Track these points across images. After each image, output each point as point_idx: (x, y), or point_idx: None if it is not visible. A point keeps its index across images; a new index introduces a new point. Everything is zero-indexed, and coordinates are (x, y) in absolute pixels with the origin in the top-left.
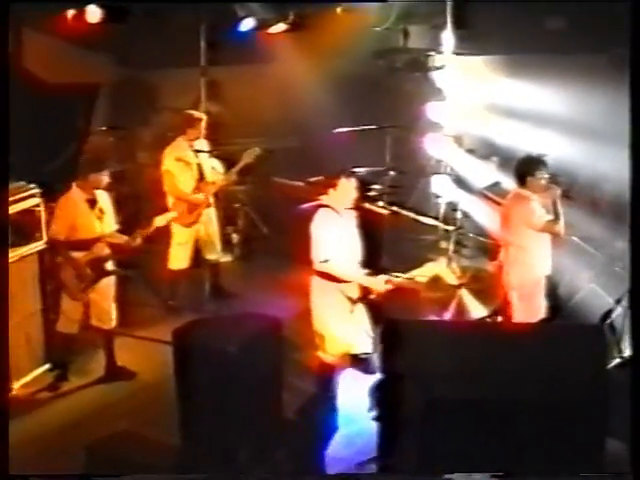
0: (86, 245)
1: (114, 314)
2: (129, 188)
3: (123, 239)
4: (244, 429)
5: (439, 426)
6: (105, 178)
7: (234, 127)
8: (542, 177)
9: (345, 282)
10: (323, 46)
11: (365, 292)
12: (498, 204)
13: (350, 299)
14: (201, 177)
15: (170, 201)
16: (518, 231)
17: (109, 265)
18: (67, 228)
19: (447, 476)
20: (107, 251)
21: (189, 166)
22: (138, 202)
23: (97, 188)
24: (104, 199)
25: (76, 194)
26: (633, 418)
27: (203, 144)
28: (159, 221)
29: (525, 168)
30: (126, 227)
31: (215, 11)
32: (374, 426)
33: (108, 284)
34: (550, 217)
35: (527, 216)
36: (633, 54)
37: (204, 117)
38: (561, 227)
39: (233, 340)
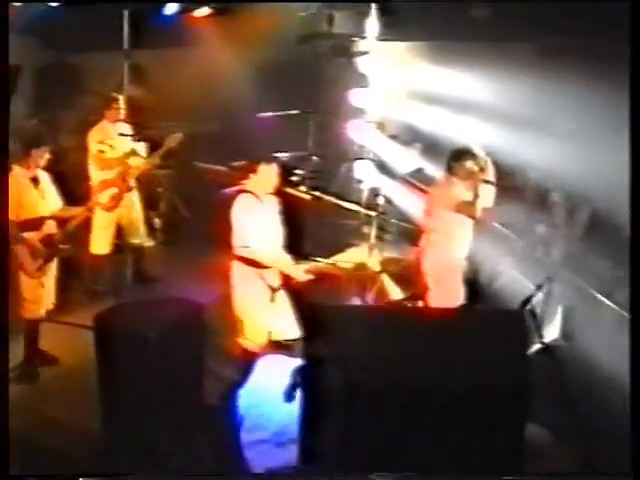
0: (36, 224)
1: (53, 296)
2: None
3: (77, 211)
4: (165, 415)
5: (359, 411)
6: (46, 155)
7: (157, 111)
8: (468, 164)
9: (266, 268)
10: (248, 30)
11: (286, 277)
12: (420, 190)
13: (271, 285)
14: (123, 160)
15: (95, 182)
16: (439, 216)
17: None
18: (14, 208)
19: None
20: (56, 229)
21: (112, 149)
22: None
23: (38, 166)
24: (44, 177)
25: (18, 173)
26: (633, 418)
27: (126, 128)
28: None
29: (452, 155)
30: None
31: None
32: (295, 409)
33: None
34: (466, 199)
35: (447, 199)
36: (633, 52)
37: (120, 97)
38: (477, 210)
39: (154, 325)
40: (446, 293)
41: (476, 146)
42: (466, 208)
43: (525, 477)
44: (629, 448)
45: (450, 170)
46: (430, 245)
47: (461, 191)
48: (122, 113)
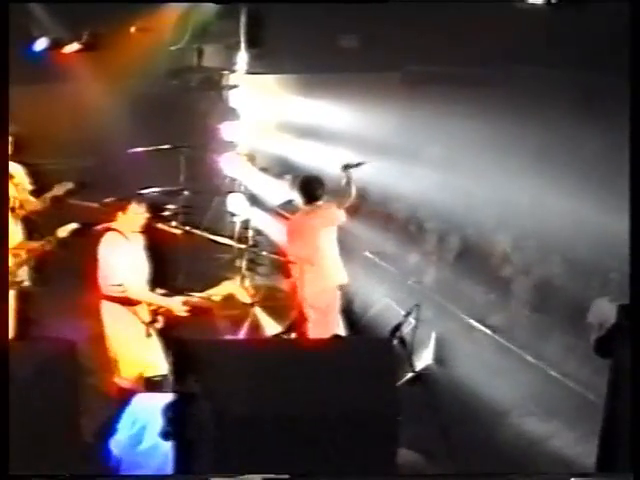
0: None
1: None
2: None
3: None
4: (40, 455)
5: (234, 443)
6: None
7: (32, 148)
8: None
9: (135, 305)
10: (117, 65)
11: (156, 314)
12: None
13: (142, 322)
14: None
15: None
16: (309, 245)
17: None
18: None
19: None
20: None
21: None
22: None
23: None
24: None
25: None
26: (633, 418)
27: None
28: (61, 232)
29: (311, 187)
30: None
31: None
32: (168, 445)
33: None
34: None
35: (310, 225)
36: (632, 63)
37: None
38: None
39: (26, 365)
40: (325, 323)
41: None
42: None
43: (523, 477)
44: (629, 447)
45: (313, 201)
46: (303, 275)
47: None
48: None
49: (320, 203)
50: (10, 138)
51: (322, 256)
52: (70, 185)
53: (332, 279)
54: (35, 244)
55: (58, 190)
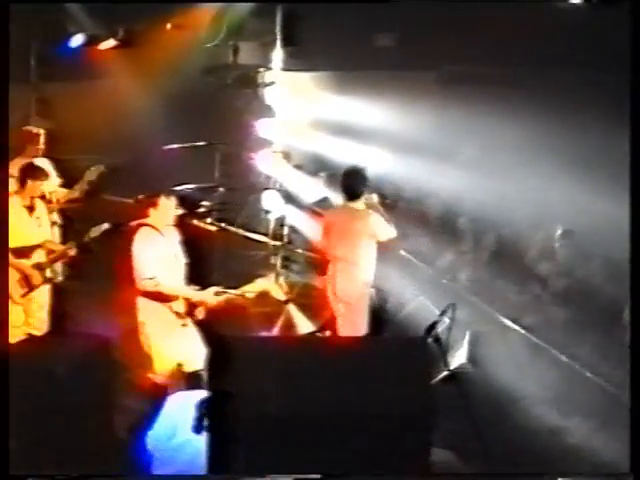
0: (27, 252)
1: (47, 322)
2: None
3: (60, 247)
4: (76, 451)
5: (267, 442)
6: (43, 185)
7: (65, 144)
8: (369, 190)
9: (171, 300)
10: (153, 62)
11: (192, 309)
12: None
13: (179, 316)
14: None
15: None
16: (351, 245)
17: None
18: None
19: None
20: (45, 258)
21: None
22: None
23: (34, 196)
24: (41, 207)
25: (15, 201)
26: (633, 418)
27: (45, 162)
28: (94, 232)
29: (355, 182)
30: None
31: (45, 26)
32: (200, 441)
33: (43, 291)
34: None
35: (371, 229)
36: (633, 63)
37: (42, 132)
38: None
39: (62, 360)
40: (355, 320)
41: (376, 173)
42: (367, 234)
43: (525, 477)
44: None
45: (354, 198)
46: (337, 274)
47: (379, 219)
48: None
49: (370, 211)
50: (43, 133)
51: (358, 256)
52: (102, 168)
53: (364, 281)
54: (60, 247)
55: (90, 175)
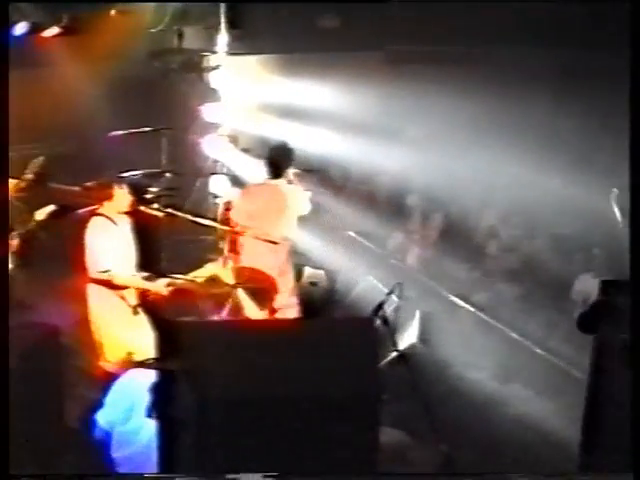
0: None
1: None
2: None
3: None
4: (28, 441)
5: (217, 425)
6: None
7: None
8: (295, 167)
9: (123, 289)
10: (97, 49)
11: (143, 296)
12: None
13: (129, 305)
14: None
15: None
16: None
17: None
18: None
19: (229, 476)
20: None
21: None
22: None
23: None
24: None
25: None
26: (633, 418)
27: None
28: (39, 214)
29: (281, 160)
30: None
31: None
32: (153, 425)
33: None
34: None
35: (290, 203)
36: (633, 55)
37: None
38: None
39: (12, 350)
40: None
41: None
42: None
43: (523, 476)
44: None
45: (279, 176)
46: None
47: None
48: None
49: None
50: None
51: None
52: (42, 160)
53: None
54: None
55: (32, 167)
